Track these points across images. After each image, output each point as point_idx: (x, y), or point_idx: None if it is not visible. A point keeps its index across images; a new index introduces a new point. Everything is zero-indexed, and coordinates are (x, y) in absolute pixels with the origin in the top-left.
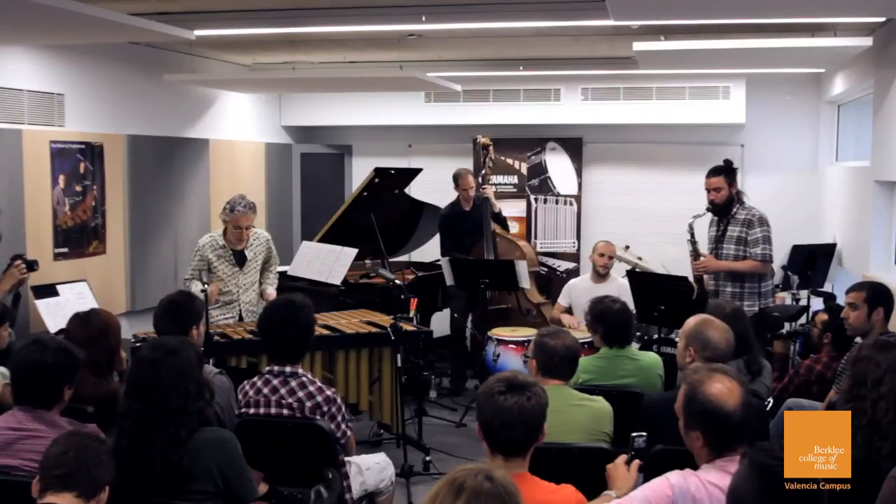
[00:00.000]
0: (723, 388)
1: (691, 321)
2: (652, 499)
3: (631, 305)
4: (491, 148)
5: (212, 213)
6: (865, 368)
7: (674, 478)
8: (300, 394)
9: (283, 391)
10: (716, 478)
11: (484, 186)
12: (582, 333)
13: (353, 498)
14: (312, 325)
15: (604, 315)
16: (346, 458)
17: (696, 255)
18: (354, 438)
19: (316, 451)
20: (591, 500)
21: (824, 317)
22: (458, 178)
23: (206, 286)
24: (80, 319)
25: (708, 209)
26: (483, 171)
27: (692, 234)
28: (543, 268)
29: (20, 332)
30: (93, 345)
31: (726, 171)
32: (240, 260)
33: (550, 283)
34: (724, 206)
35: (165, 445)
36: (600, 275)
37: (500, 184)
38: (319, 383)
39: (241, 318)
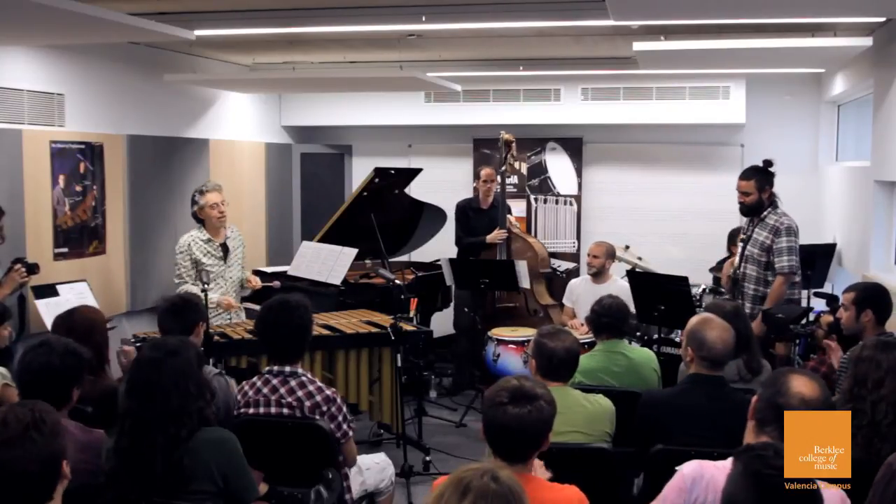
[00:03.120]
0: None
1: (692, 320)
2: (668, 493)
3: (630, 306)
4: (513, 145)
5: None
6: (867, 369)
7: (687, 468)
8: (299, 393)
9: (282, 391)
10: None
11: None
12: (579, 334)
13: (353, 498)
14: (308, 325)
15: (594, 306)
16: None
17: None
18: (353, 442)
19: (316, 451)
20: (591, 499)
21: (829, 318)
22: (479, 171)
23: (205, 286)
24: (62, 320)
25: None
26: (503, 168)
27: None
28: (548, 268)
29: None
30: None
31: (758, 174)
32: (225, 252)
33: (551, 283)
34: (753, 209)
35: (166, 445)
36: (592, 275)
37: (505, 182)
38: (319, 383)
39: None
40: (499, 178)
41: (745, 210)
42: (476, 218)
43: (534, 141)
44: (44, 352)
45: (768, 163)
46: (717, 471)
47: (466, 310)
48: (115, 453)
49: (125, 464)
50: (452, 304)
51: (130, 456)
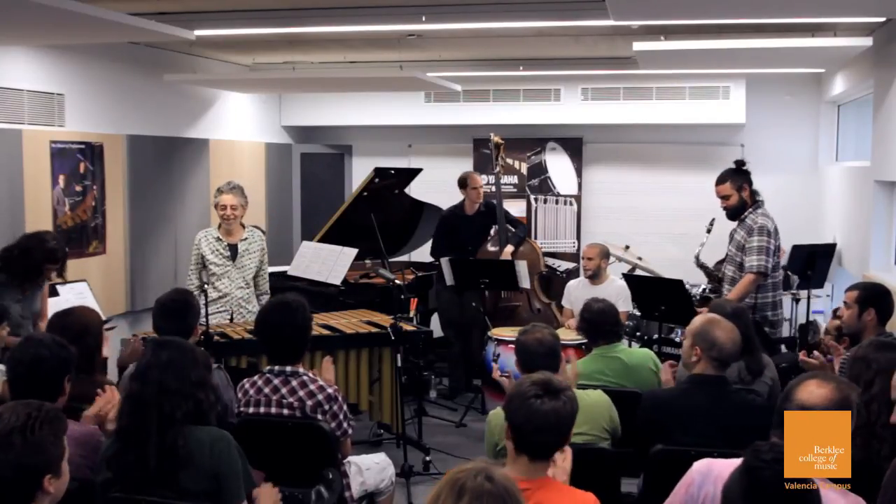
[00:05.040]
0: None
1: (698, 320)
2: (677, 489)
3: (629, 307)
4: (502, 147)
5: (212, 213)
6: (860, 370)
7: (696, 465)
8: (301, 393)
9: (284, 391)
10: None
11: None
12: (576, 334)
13: (353, 498)
14: (308, 325)
15: (584, 314)
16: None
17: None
18: (351, 440)
19: (316, 451)
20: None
21: (836, 322)
22: (466, 179)
23: (205, 285)
24: (58, 319)
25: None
26: (497, 170)
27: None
28: (545, 268)
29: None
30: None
31: (732, 175)
32: (233, 253)
33: (551, 283)
34: (737, 211)
35: (160, 424)
36: (589, 277)
37: (500, 184)
38: (321, 382)
39: (231, 317)
40: (492, 178)
41: (731, 214)
42: (464, 226)
43: (534, 141)
44: (32, 345)
45: (740, 162)
46: (726, 467)
47: (474, 304)
48: (116, 436)
49: (123, 446)
50: (437, 311)
51: (128, 437)
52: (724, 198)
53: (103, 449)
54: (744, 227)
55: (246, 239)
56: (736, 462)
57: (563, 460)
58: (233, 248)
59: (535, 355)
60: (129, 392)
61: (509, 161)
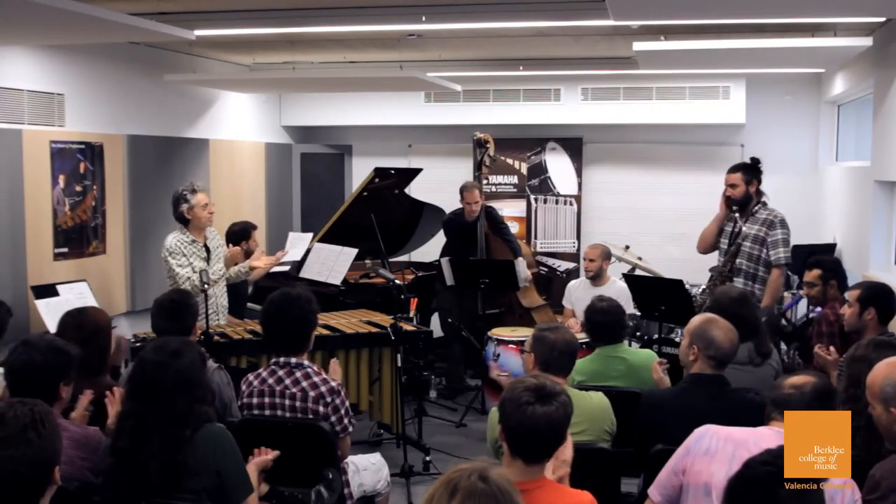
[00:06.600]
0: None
1: (696, 319)
2: (678, 452)
3: (629, 308)
4: (490, 145)
5: None
6: (860, 369)
7: (696, 430)
8: (304, 384)
9: (287, 381)
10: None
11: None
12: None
13: (352, 498)
14: (311, 316)
15: (589, 314)
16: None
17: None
18: (349, 440)
19: (317, 451)
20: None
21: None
22: (462, 191)
23: (206, 286)
24: (72, 317)
25: (734, 210)
26: (480, 171)
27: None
28: (543, 268)
29: (20, 332)
30: (84, 347)
31: (746, 168)
32: (208, 253)
33: (551, 283)
34: (740, 203)
35: (167, 445)
36: (590, 278)
37: (500, 184)
38: (324, 375)
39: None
40: (477, 177)
41: (732, 203)
42: (462, 232)
43: (534, 141)
44: (26, 350)
45: (755, 160)
46: (722, 428)
47: (450, 320)
48: (112, 453)
49: (121, 463)
50: (437, 310)
51: (128, 456)
52: (731, 186)
53: (101, 451)
54: (758, 222)
55: (209, 237)
56: (731, 429)
57: (564, 451)
58: (206, 248)
59: (564, 355)
60: (130, 412)
61: (509, 161)
